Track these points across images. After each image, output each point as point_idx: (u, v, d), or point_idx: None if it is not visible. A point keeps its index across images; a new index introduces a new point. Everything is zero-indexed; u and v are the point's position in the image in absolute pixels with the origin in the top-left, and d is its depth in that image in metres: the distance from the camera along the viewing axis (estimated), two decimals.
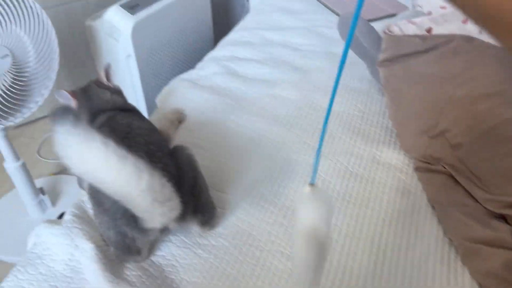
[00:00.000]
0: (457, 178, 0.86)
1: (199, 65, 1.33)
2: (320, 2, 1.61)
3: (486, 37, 0.95)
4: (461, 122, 0.86)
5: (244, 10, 2.28)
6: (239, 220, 0.81)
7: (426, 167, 0.91)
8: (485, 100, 0.84)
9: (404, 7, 1.55)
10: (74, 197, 1.62)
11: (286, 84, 1.20)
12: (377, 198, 0.88)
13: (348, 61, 1.35)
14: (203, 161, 0.93)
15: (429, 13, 1.30)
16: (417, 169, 0.93)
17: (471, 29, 0.96)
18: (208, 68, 1.28)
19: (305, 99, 1.15)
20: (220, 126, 1.04)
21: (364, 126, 1.06)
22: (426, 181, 0.90)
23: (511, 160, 0.79)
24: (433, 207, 0.86)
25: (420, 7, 1.35)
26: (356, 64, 1.27)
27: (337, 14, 1.52)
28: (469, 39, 0.92)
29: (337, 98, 1.15)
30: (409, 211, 0.85)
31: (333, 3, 1.57)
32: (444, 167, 0.89)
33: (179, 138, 1.00)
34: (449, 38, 0.93)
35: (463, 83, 0.88)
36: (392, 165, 0.95)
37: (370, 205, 0.86)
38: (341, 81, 1.36)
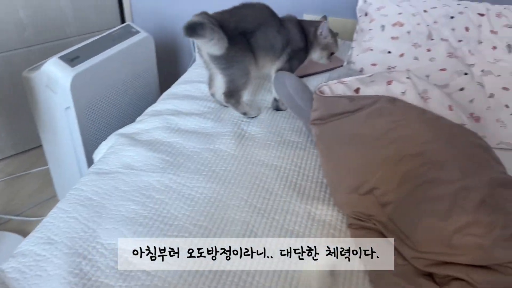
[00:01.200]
0: (387, 235, 0.88)
1: (139, 118, 1.32)
2: None
3: (409, 98, 1.02)
4: (388, 181, 0.89)
5: (192, 60, 2.32)
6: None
7: (359, 224, 0.94)
8: (409, 160, 0.89)
9: (342, 61, 1.62)
10: (6, 253, 1.52)
11: (226, 138, 1.22)
12: (311, 256, 0.88)
13: (287, 114, 1.39)
14: (140, 227, 0.91)
15: (361, 70, 1.38)
16: (350, 225, 0.95)
17: (395, 90, 1.02)
18: (148, 122, 1.27)
19: (244, 153, 1.16)
20: (157, 186, 1.03)
21: (301, 181, 1.08)
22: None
23: (434, 220, 0.82)
24: (365, 266, 0.87)
25: (353, 63, 1.43)
26: (294, 118, 1.31)
27: None
28: (392, 100, 0.98)
29: (276, 153, 1.18)
30: (342, 271, 0.86)
31: None
32: (375, 224, 0.91)
33: (111, 196, 0.98)
34: (375, 99, 0.99)
35: (390, 144, 0.92)
36: (327, 222, 0.97)
37: (304, 263, 0.86)
38: (280, 135, 1.38)
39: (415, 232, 0.83)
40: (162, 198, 1.00)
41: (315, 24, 1.35)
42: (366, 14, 1.56)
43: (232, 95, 1.29)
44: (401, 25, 1.42)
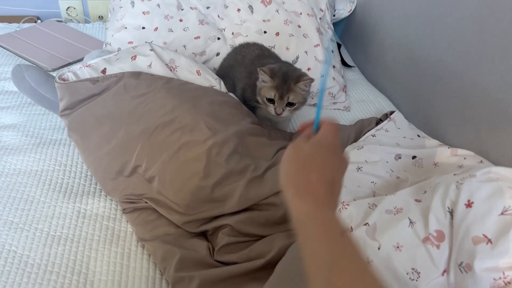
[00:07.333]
0: (158, 209, 0.87)
1: None
2: (9, 51, 1.45)
3: (156, 69, 1.00)
4: (147, 155, 0.87)
5: None
6: None
7: (131, 206, 0.90)
8: (161, 130, 0.88)
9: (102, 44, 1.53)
10: None
11: None
12: (84, 257, 0.81)
13: (46, 111, 1.19)
14: None
15: (119, 50, 1.32)
16: (124, 210, 0.91)
17: (141, 64, 0.99)
18: None
19: None
20: None
21: (67, 180, 0.98)
22: (133, 221, 0.88)
23: (195, 180, 0.84)
24: (143, 246, 0.85)
25: (109, 44, 1.36)
26: (51, 115, 1.18)
27: (32, 62, 1.39)
28: (136, 75, 0.95)
29: (35, 156, 1.04)
30: (119, 260, 0.82)
31: (25, 50, 1.44)
32: (147, 203, 0.89)
33: None
34: (119, 77, 0.94)
35: (140, 118, 0.90)
36: (99, 215, 0.91)
37: (76, 269, 0.79)
38: (39, 136, 1.20)
39: (182, 197, 0.84)
40: None
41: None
42: None
43: None
44: None
